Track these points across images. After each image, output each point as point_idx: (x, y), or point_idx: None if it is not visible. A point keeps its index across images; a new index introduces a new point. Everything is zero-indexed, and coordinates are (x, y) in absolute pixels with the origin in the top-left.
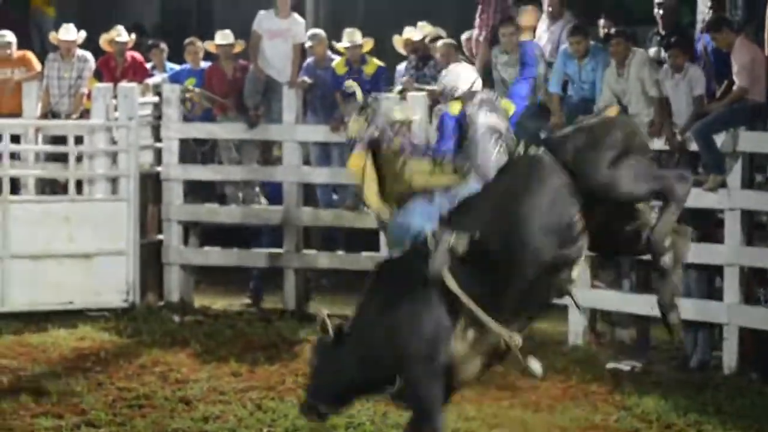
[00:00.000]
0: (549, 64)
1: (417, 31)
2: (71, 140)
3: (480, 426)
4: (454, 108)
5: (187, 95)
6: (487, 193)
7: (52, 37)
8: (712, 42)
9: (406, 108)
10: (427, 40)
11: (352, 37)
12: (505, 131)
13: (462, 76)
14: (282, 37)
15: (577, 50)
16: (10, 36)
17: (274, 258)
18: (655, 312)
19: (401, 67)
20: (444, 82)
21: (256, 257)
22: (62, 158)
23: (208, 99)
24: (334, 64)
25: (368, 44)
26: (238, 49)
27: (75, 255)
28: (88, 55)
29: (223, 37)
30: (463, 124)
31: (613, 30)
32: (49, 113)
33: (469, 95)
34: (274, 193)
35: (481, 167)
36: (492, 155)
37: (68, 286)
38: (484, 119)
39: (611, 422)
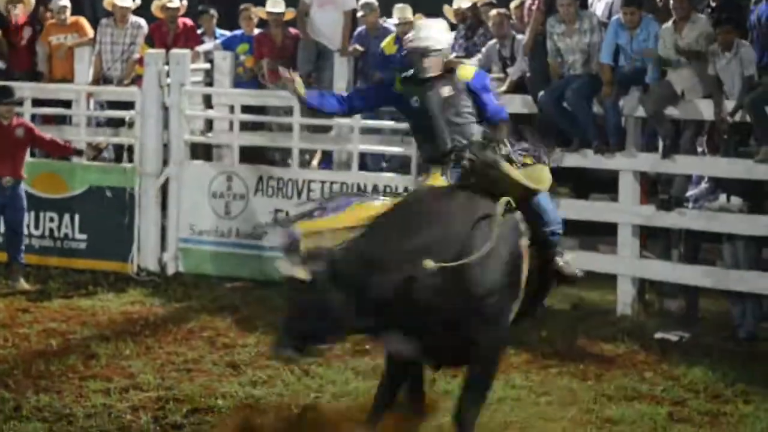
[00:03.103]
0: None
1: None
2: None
3: (527, 394)
4: (468, 70)
5: (246, 64)
6: None
7: (107, 2)
8: (766, 11)
9: None
10: (479, 3)
11: (402, 13)
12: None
13: (444, 36)
14: (332, 5)
15: (630, 21)
16: (64, 1)
17: None
18: (704, 283)
19: (451, 35)
20: (428, 45)
21: None
22: (114, 123)
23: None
24: (383, 44)
25: (419, 18)
26: (288, 16)
27: None
28: (142, 21)
29: (274, 4)
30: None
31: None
32: (102, 79)
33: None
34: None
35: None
36: None
37: None
38: None
39: (658, 392)
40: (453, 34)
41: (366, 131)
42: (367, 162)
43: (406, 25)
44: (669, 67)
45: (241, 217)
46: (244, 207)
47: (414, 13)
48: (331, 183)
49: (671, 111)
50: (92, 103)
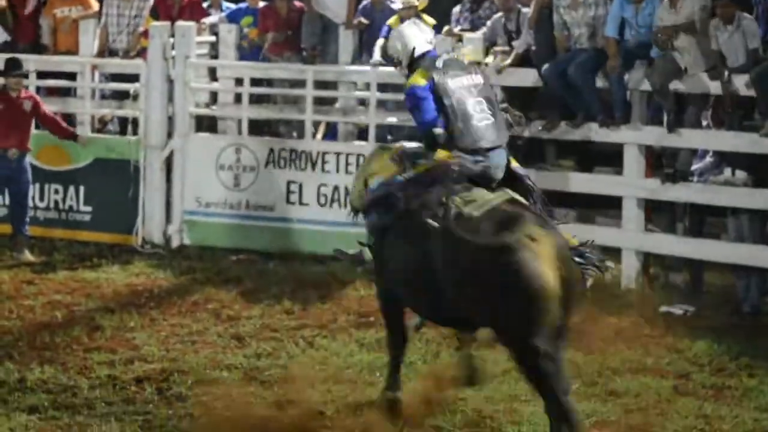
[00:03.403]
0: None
1: None
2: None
3: None
4: (419, 79)
5: (250, 36)
6: None
7: None
8: None
9: (472, 50)
10: None
11: None
12: (481, 84)
13: (405, 40)
14: None
15: None
16: None
17: None
18: (709, 256)
19: (456, 9)
20: (390, 53)
21: None
22: (118, 96)
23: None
24: (390, 20)
25: (423, 2)
26: None
27: None
28: None
29: None
30: (435, 94)
31: None
32: (107, 51)
33: (427, 61)
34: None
35: (467, 135)
36: (475, 118)
37: None
38: (453, 83)
39: (663, 365)
40: (457, 7)
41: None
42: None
43: (410, 10)
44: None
45: (252, 189)
46: (254, 179)
47: None
48: (347, 154)
49: (676, 85)
50: (97, 76)
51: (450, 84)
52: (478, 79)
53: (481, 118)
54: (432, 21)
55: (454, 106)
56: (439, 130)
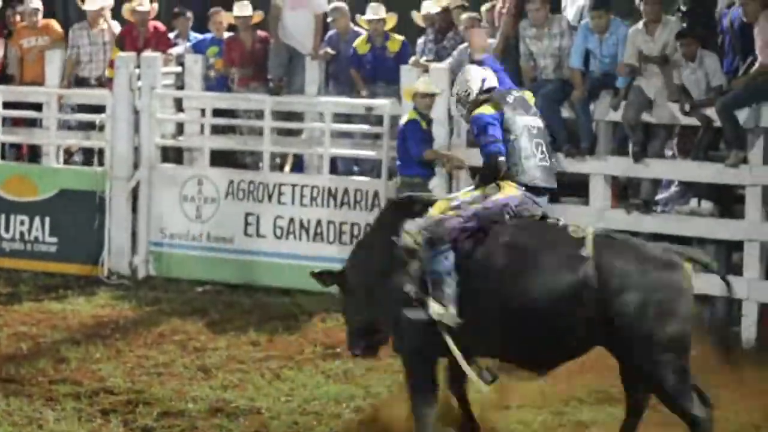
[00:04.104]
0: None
1: (435, 4)
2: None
3: (498, 397)
4: (488, 108)
5: (216, 66)
6: None
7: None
8: (739, 16)
9: (429, 81)
10: (451, 6)
11: (376, 11)
12: (542, 128)
13: (471, 79)
14: (303, 8)
15: (598, 25)
16: (37, 2)
17: None
18: None
19: (421, 40)
20: (456, 90)
21: None
22: (84, 127)
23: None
24: (355, 43)
25: (392, 20)
26: (256, 19)
27: None
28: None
29: (241, 8)
30: (503, 126)
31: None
32: (74, 80)
33: (496, 95)
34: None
35: (527, 173)
36: (535, 159)
37: None
38: (521, 120)
39: None
40: (422, 38)
41: (337, 135)
42: (338, 166)
43: (378, 23)
44: (639, 71)
45: (213, 221)
46: (215, 210)
47: (387, 12)
48: (302, 186)
49: (644, 116)
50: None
51: (518, 120)
52: (539, 122)
53: (540, 160)
54: (401, 38)
55: (520, 142)
56: (502, 159)
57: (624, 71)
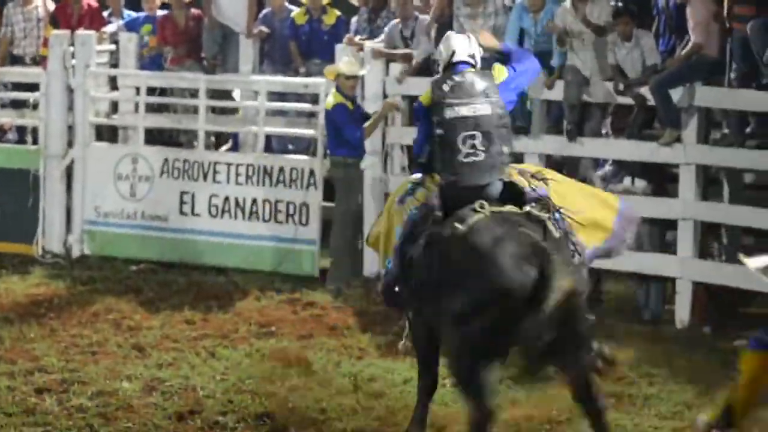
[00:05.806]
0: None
1: None
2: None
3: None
4: (426, 97)
5: (150, 44)
6: None
7: None
8: None
9: (353, 62)
10: None
11: None
12: (487, 114)
13: (445, 48)
14: None
15: (534, 4)
16: None
17: None
18: (608, 264)
19: (354, 19)
20: (436, 57)
21: None
22: (18, 105)
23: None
24: (293, 14)
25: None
26: None
27: None
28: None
29: None
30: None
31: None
32: (8, 59)
33: (432, 83)
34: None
35: (447, 169)
36: (460, 155)
37: None
38: (450, 113)
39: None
40: (355, 17)
41: (272, 113)
42: (273, 144)
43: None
44: (570, 45)
45: (147, 199)
46: (149, 189)
47: None
48: (237, 165)
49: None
50: None
51: (446, 114)
52: (485, 109)
53: (467, 156)
54: (338, 13)
55: (445, 138)
56: (422, 160)
57: (552, 28)
